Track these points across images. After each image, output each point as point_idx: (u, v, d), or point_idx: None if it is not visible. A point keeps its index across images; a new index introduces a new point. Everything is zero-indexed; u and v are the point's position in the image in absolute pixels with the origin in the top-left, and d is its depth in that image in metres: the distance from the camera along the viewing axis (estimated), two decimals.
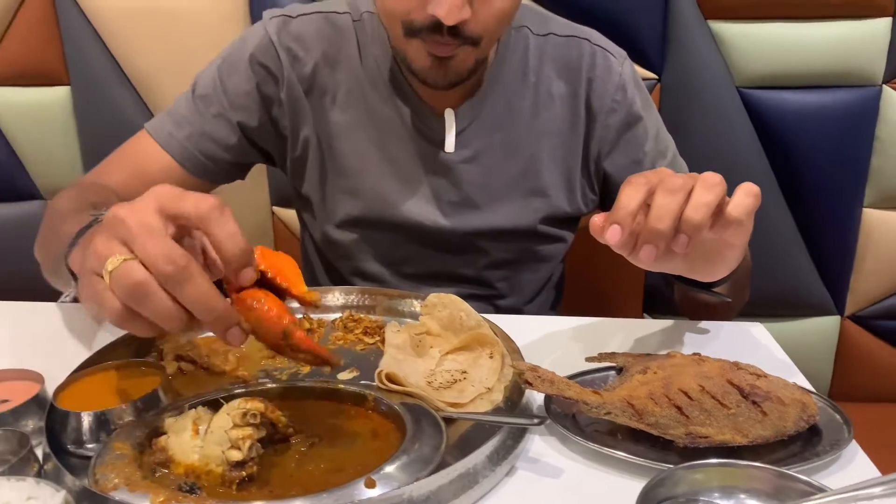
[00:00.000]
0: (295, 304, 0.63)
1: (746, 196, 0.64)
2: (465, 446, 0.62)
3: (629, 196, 0.64)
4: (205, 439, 0.60)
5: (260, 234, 1.55)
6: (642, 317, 1.53)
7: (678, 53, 1.37)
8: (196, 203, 0.57)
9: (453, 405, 0.68)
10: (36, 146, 1.52)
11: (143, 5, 1.40)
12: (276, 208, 1.53)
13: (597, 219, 0.65)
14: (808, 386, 0.75)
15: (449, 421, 0.65)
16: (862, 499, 0.55)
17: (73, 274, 0.70)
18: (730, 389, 0.67)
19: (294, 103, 1.01)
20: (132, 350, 0.78)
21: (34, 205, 1.56)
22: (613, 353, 0.79)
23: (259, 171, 1.33)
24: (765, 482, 0.57)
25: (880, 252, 1.46)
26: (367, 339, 0.82)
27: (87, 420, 0.62)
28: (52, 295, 0.86)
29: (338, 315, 0.87)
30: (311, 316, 0.86)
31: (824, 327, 1.53)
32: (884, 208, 1.45)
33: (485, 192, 1.03)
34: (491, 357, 0.75)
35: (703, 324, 0.92)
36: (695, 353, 0.75)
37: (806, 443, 0.66)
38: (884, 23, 1.33)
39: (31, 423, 0.67)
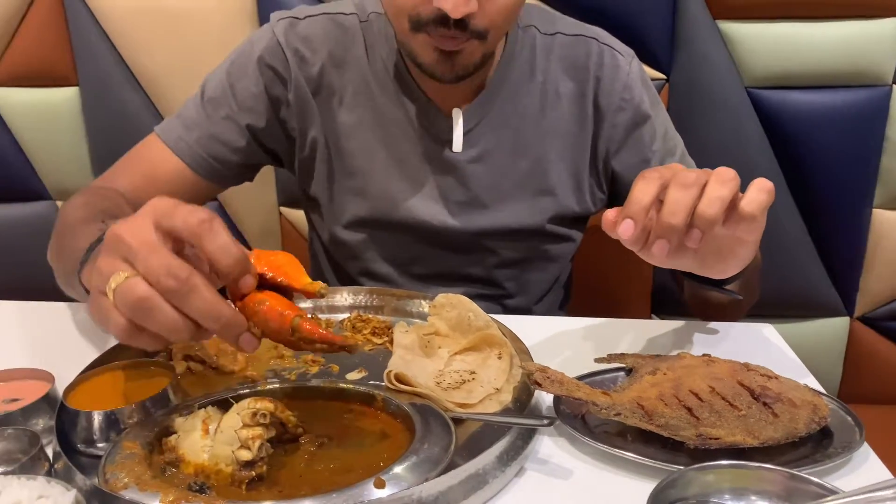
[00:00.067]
0: (306, 304, 0.63)
1: (760, 192, 0.64)
2: (474, 447, 0.62)
3: (642, 190, 0.63)
4: (215, 439, 0.60)
5: (267, 235, 1.55)
6: (651, 317, 1.53)
7: (687, 53, 1.36)
8: (185, 218, 0.56)
9: (462, 406, 0.68)
10: (44, 147, 1.52)
11: (152, 6, 1.40)
12: (283, 209, 1.54)
13: (609, 214, 0.65)
14: (819, 387, 0.74)
15: (458, 421, 0.65)
16: (874, 501, 0.54)
17: (87, 290, 0.70)
18: (740, 391, 0.66)
19: (302, 104, 1.01)
20: (142, 350, 0.78)
21: (43, 205, 1.56)
22: (623, 354, 0.79)
23: (267, 172, 1.34)
24: (776, 484, 0.57)
25: (890, 253, 1.45)
26: (376, 340, 0.82)
27: (97, 419, 0.62)
28: (61, 295, 0.86)
29: (346, 315, 0.87)
30: (320, 316, 0.86)
31: (834, 328, 1.52)
32: (894, 209, 1.44)
33: (493, 191, 1.02)
34: (499, 358, 0.75)
35: (713, 325, 0.92)
36: (704, 354, 0.75)
37: (817, 445, 0.65)
38: (894, 22, 1.32)
39: (41, 422, 0.67)
